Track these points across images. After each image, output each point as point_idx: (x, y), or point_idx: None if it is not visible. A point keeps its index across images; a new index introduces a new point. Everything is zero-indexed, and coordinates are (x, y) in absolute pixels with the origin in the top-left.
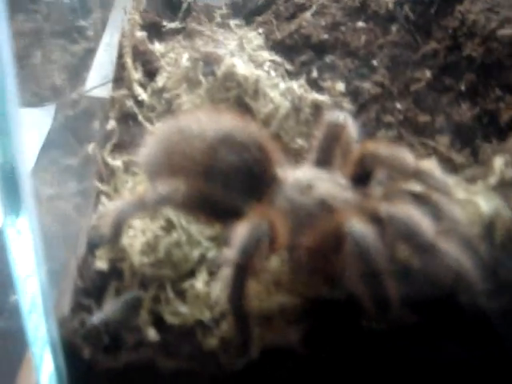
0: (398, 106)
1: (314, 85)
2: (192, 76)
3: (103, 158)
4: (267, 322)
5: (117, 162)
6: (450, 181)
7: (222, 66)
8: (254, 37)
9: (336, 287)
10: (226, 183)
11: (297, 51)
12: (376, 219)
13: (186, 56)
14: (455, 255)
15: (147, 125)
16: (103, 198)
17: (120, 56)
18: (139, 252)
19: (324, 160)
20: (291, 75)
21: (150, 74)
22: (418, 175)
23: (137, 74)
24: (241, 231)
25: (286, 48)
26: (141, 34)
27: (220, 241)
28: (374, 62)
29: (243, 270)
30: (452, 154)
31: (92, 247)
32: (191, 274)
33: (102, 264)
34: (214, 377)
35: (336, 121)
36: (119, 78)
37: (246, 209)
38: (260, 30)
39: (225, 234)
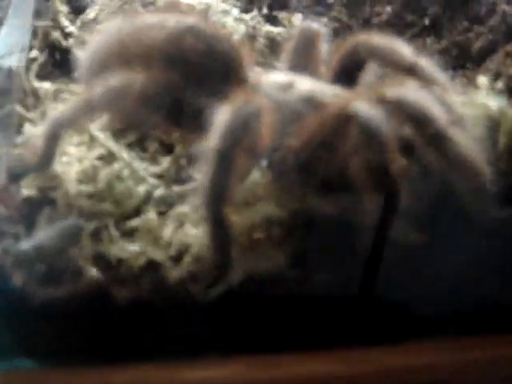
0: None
1: (268, 19)
2: (128, 7)
3: (28, 83)
4: (248, 241)
5: (44, 86)
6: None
7: None
8: None
9: (329, 196)
10: (189, 77)
11: None
12: (381, 104)
13: None
14: (468, 146)
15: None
16: (28, 126)
17: None
18: (75, 181)
19: (298, 66)
20: (241, 10)
21: (78, 10)
22: (416, 70)
23: (62, 7)
24: (225, 112)
25: None
26: None
27: (168, 179)
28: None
29: (227, 160)
30: None
31: (16, 176)
32: (136, 212)
33: (29, 192)
34: (181, 310)
35: (309, 28)
36: (41, 11)
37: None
38: None
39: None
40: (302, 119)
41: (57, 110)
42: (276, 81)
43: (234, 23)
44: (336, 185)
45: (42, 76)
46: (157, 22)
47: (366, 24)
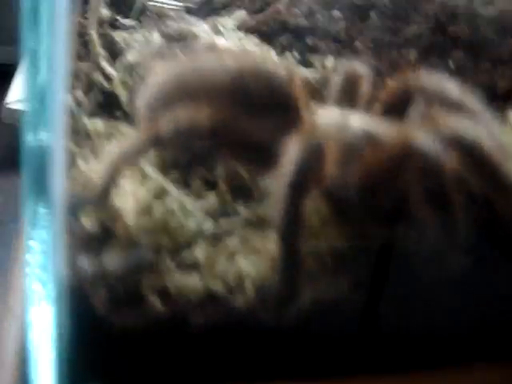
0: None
1: (300, 63)
2: (167, 52)
3: (77, 121)
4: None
5: (94, 125)
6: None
7: (201, 43)
8: (226, 21)
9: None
10: (252, 114)
11: (275, 35)
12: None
13: (156, 33)
14: None
15: (121, 96)
16: (80, 161)
17: (81, 34)
18: (133, 214)
19: (345, 106)
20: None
21: (116, 54)
22: (463, 107)
23: (101, 50)
24: (294, 148)
25: (262, 33)
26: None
27: (215, 213)
28: (357, 44)
29: (300, 195)
30: None
31: (74, 207)
32: (189, 245)
33: (89, 223)
34: (249, 336)
35: (354, 68)
36: (80, 55)
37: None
38: (231, 19)
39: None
40: (361, 153)
41: (116, 146)
42: (332, 117)
43: None
44: (398, 216)
45: (89, 115)
46: (219, 62)
47: (394, 67)
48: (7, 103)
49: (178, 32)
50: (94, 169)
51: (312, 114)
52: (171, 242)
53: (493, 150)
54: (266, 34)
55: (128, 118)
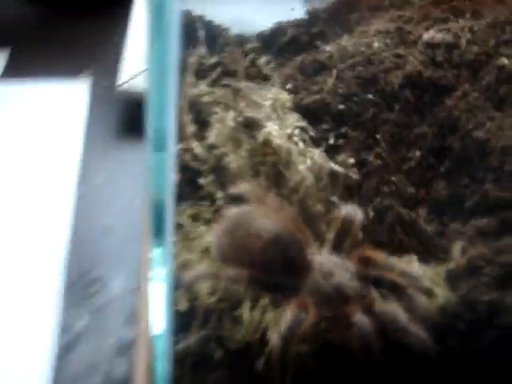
0: (393, 178)
1: (331, 152)
2: (236, 136)
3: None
4: None
5: (183, 217)
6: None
7: (261, 133)
8: (284, 98)
9: None
10: (273, 273)
11: (319, 118)
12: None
13: (230, 116)
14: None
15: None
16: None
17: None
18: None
19: (337, 248)
20: (314, 140)
21: (202, 123)
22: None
23: (191, 127)
24: (287, 316)
25: (310, 112)
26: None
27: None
28: (378, 136)
29: (287, 344)
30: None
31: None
32: None
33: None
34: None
35: (349, 215)
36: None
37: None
38: (288, 86)
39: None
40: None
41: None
42: (323, 266)
43: (306, 170)
44: None
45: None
46: (254, 233)
47: (401, 163)
48: (119, 85)
49: (244, 118)
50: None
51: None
52: None
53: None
54: (313, 114)
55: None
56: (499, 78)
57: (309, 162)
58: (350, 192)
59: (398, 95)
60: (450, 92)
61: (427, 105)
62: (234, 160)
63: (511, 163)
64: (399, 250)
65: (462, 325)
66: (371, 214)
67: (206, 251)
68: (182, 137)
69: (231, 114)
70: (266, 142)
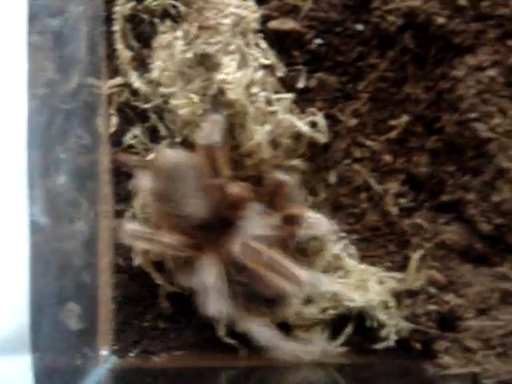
0: (368, 142)
1: (299, 102)
2: (187, 73)
3: None
4: None
5: None
6: None
7: (215, 80)
8: (249, 16)
9: None
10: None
11: (290, 53)
12: None
13: (180, 46)
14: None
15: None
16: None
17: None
18: None
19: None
20: (282, 82)
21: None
22: None
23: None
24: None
25: (280, 42)
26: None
27: None
28: (360, 86)
29: None
30: (390, 204)
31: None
32: None
33: None
34: None
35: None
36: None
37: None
38: None
39: None
40: None
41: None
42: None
43: (262, 132)
44: None
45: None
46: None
47: (381, 127)
48: None
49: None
50: None
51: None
52: None
53: None
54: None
55: None
56: None
57: (266, 128)
58: (315, 153)
59: (395, 38)
60: (464, 55)
61: (430, 63)
62: (185, 105)
63: (501, 191)
64: (359, 220)
65: None
66: (334, 178)
67: None
68: (116, 67)
69: (179, 44)
70: (221, 92)
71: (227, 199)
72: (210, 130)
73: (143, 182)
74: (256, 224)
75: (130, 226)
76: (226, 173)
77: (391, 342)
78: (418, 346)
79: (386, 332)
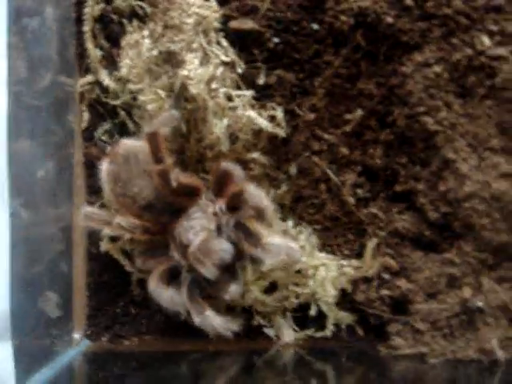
0: (326, 136)
1: (258, 97)
2: (154, 70)
3: None
4: None
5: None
6: None
7: (178, 75)
8: (211, 16)
9: None
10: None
11: (250, 51)
12: None
13: (147, 44)
14: None
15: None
16: None
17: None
18: None
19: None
20: (242, 79)
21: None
22: None
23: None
24: None
25: (240, 40)
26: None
27: None
28: (316, 82)
29: None
30: (348, 195)
31: None
32: None
33: None
34: None
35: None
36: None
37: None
38: None
39: None
40: None
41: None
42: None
43: (222, 127)
44: None
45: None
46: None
47: (338, 121)
48: None
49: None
50: None
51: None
52: None
53: None
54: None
55: None
56: (475, 59)
57: (225, 122)
58: (275, 147)
59: (348, 36)
60: (411, 52)
61: (381, 60)
62: (152, 101)
63: (447, 181)
64: (319, 211)
65: None
66: (294, 170)
67: None
68: (87, 66)
69: (146, 43)
70: (185, 87)
71: (173, 186)
72: (161, 122)
73: (103, 168)
74: (205, 211)
75: (87, 209)
76: (168, 161)
77: (328, 332)
78: (360, 332)
79: (330, 321)
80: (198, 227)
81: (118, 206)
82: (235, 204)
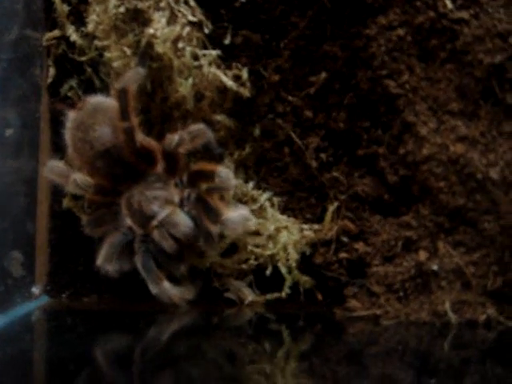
0: (290, 98)
1: (224, 58)
2: (121, 27)
3: None
4: None
5: None
6: None
7: (145, 33)
8: None
9: None
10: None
11: (217, 11)
12: None
13: (114, 1)
14: None
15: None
16: None
17: None
18: None
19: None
20: (208, 39)
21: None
22: None
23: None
24: None
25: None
26: None
27: None
28: (281, 44)
29: None
30: (311, 159)
31: None
32: None
33: None
34: None
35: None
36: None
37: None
38: None
39: None
40: None
41: None
42: None
43: (188, 86)
44: None
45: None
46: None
47: (302, 83)
48: None
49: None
50: None
51: None
52: None
53: None
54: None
55: None
56: (437, 22)
57: (190, 81)
58: (241, 108)
59: None
60: (376, 15)
61: (345, 22)
62: (117, 57)
63: (407, 144)
64: (282, 174)
65: None
66: (258, 132)
67: None
68: (54, 20)
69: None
70: (150, 46)
71: (136, 145)
72: (129, 78)
73: (69, 116)
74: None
75: (52, 163)
76: (134, 120)
77: (283, 294)
78: (319, 296)
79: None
80: (163, 199)
81: (74, 153)
82: (197, 178)
